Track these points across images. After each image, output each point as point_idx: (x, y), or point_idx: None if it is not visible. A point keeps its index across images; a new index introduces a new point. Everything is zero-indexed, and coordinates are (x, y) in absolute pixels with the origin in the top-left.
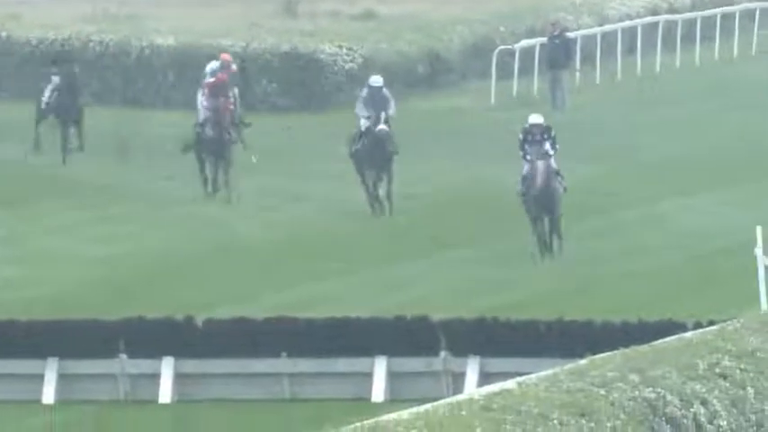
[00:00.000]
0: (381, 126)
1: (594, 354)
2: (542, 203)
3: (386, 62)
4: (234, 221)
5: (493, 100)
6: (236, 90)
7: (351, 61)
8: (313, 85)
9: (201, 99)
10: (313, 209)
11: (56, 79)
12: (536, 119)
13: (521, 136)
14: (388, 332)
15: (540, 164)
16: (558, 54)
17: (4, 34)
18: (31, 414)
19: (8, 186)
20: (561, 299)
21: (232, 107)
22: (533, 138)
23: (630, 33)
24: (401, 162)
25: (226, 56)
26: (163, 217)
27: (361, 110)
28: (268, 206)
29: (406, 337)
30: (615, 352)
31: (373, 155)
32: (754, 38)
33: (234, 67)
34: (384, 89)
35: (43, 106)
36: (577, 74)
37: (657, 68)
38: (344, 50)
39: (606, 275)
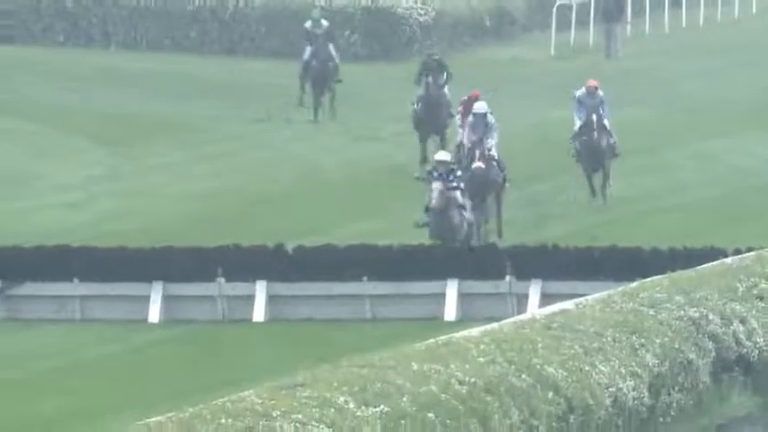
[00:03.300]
0: (477, 163)
1: (644, 278)
2: (439, 233)
3: (456, 16)
4: (318, 160)
5: (553, 50)
6: (602, 110)
7: (425, 15)
8: (390, 37)
9: (458, 117)
10: (388, 147)
11: (420, 92)
12: (442, 156)
13: (427, 168)
14: (459, 258)
15: (437, 184)
16: (612, 8)
17: None
18: (139, 332)
19: (114, 128)
20: (614, 229)
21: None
22: (439, 174)
23: None
24: None
25: (592, 82)
26: (255, 155)
27: (466, 134)
28: (349, 145)
29: (475, 262)
30: (663, 276)
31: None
32: None
33: (601, 93)
34: (488, 115)
35: (414, 119)
36: (629, 26)
37: (701, 22)
38: (419, 5)
39: (654, 208)
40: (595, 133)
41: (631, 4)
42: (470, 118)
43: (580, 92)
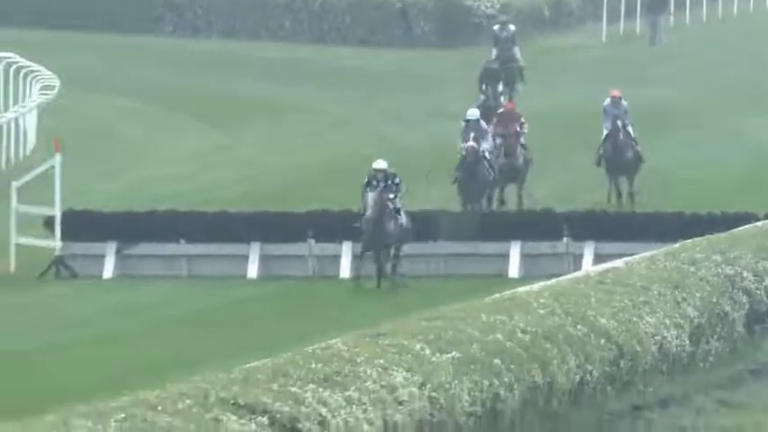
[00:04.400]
0: (470, 143)
1: (685, 239)
2: (372, 239)
3: (518, 7)
4: (395, 135)
5: (604, 38)
6: (626, 122)
7: (491, 6)
8: (460, 26)
9: (490, 128)
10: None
11: (479, 100)
12: (379, 164)
13: (365, 179)
14: (522, 221)
15: (371, 195)
16: (657, 0)
17: None
18: (238, 287)
19: (218, 108)
20: (657, 196)
21: (524, 131)
22: (377, 183)
23: None
24: (532, 89)
25: (616, 93)
26: (343, 131)
27: (461, 139)
28: (424, 121)
29: (535, 225)
30: (702, 237)
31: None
32: None
33: (624, 104)
34: (481, 121)
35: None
36: (671, 17)
37: (735, 12)
38: None
39: (693, 177)
40: (620, 140)
41: None
42: (462, 123)
43: (606, 102)
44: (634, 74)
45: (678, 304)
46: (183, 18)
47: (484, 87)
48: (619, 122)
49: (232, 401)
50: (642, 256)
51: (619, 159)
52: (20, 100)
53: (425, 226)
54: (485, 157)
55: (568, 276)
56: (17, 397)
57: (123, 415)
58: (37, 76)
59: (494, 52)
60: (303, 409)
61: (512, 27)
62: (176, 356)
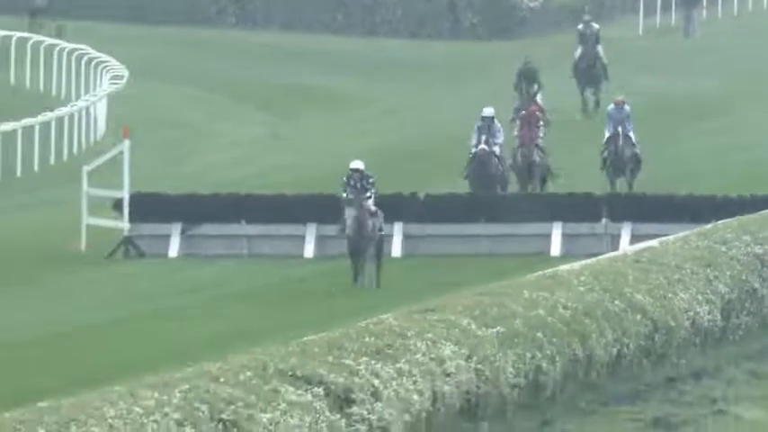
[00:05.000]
0: (482, 146)
1: (717, 220)
2: (357, 244)
3: (561, 2)
4: (443, 124)
5: (641, 31)
6: (627, 129)
7: (534, 0)
8: (505, 19)
9: (514, 131)
10: (507, 110)
11: (516, 103)
12: (356, 164)
13: (344, 178)
14: (562, 204)
15: (350, 211)
16: None
17: None
18: (295, 266)
19: (276, 97)
20: (691, 179)
21: (541, 135)
22: (354, 183)
23: None
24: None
25: (619, 100)
26: (393, 119)
27: (472, 138)
28: (472, 109)
29: (576, 207)
30: (732, 219)
31: (481, 177)
32: None
33: (627, 108)
34: (495, 119)
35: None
36: (704, 11)
37: (765, 6)
38: None
39: (722, 162)
40: (620, 144)
41: None
42: (479, 122)
43: (610, 107)
44: (669, 64)
45: (710, 281)
46: (245, 11)
47: (520, 88)
48: (620, 127)
49: (290, 373)
50: (676, 237)
51: (619, 162)
52: (91, 89)
53: (471, 207)
54: (495, 156)
55: (607, 255)
56: (89, 368)
57: (187, 386)
58: (107, 66)
59: (578, 51)
60: (357, 380)
61: (595, 26)
62: (237, 330)
